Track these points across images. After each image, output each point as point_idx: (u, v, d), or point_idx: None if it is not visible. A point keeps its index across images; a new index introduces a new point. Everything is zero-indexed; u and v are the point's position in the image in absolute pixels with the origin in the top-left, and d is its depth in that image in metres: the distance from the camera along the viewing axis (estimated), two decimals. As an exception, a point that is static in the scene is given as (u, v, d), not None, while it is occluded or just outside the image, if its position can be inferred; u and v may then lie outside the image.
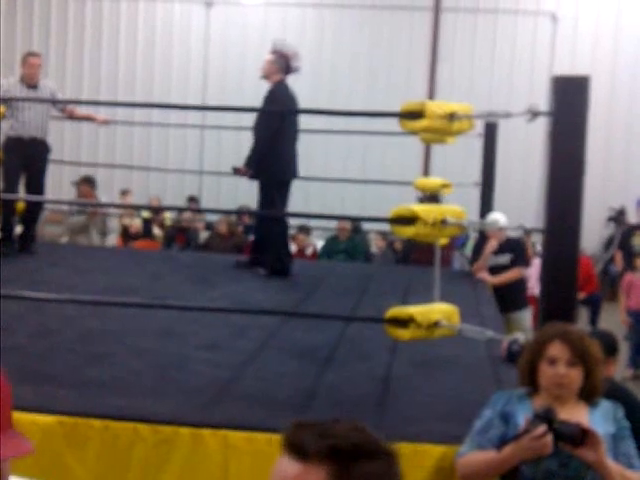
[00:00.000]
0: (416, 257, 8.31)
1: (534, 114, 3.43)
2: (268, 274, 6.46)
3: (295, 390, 3.64)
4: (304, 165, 7.59)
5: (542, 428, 2.49)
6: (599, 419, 2.67)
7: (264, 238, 6.63)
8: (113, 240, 9.87)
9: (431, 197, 8.44)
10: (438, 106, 3.64)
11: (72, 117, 7.44)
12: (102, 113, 7.76)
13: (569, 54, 12.34)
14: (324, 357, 4.21)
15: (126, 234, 10.48)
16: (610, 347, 3.95)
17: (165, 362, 3.98)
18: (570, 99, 3.36)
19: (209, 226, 11.01)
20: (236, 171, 6.59)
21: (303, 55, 12.20)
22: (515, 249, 6.97)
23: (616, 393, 3.33)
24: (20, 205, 7.12)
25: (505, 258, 6.90)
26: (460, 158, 10.93)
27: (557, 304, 3.33)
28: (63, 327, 4.54)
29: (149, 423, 3.10)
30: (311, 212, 10.14)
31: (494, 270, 6.88)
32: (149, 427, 3.08)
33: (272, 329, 4.69)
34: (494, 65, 12.52)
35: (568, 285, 3.36)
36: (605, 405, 2.75)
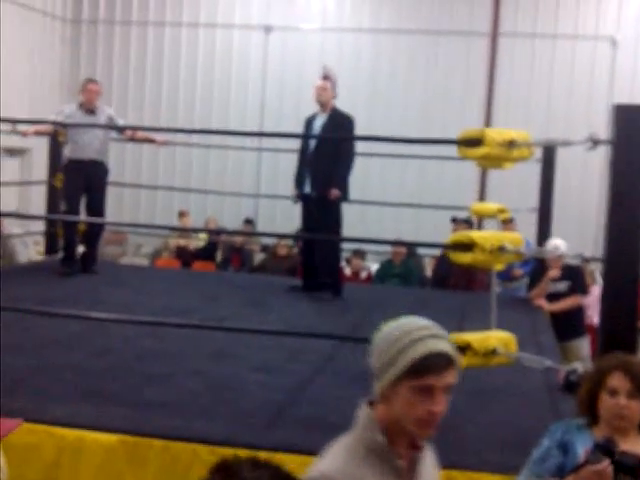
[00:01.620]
0: (454, 282, 8.28)
1: (595, 142, 3.41)
2: (333, 296, 6.59)
3: (350, 415, 3.64)
4: (360, 189, 7.64)
5: (605, 462, 2.45)
6: (660, 452, 2.62)
7: (326, 260, 6.69)
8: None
9: (465, 220, 8.56)
10: (497, 133, 3.64)
11: (133, 139, 7.65)
12: (161, 136, 7.94)
13: (629, 79, 12.17)
14: (379, 382, 4.21)
15: (182, 255, 10.64)
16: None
17: (221, 384, 4.03)
18: (631, 128, 3.34)
19: (265, 248, 11.11)
20: (308, 196, 6.71)
21: (359, 79, 12.37)
22: (574, 277, 6.87)
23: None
24: (82, 226, 7.31)
25: (563, 285, 6.82)
26: (517, 183, 10.83)
27: (617, 334, 3.28)
28: (122, 347, 4.63)
29: (206, 444, 3.14)
30: (366, 236, 10.15)
31: (552, 297, 6.80)
32: (207, 448, 3.13)
33: (327, 353, 4.71)
34: (552, 90, 12.41)
35: (628, 314, 3.31)
36: (667, 438, 2.70)
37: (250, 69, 13.03)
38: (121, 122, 7.39)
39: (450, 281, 8.32)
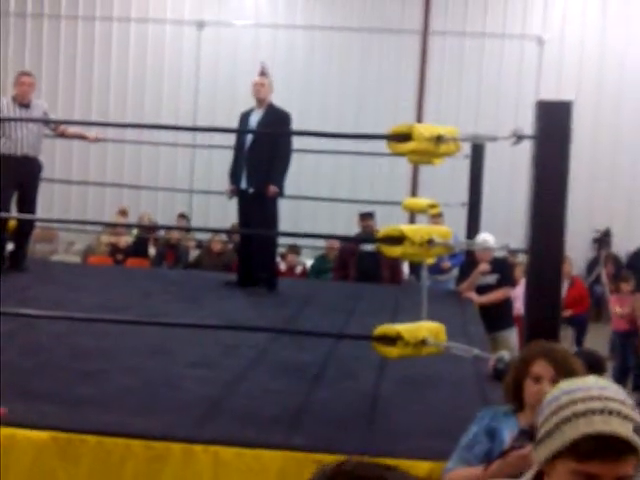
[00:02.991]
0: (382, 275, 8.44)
1: (519, 137, 3.53)
2: (268, 291, 6.63)
3: (284, 407, 3.69)
4: (294, 184, 7.68)
5: (529, 447, 2.55)
6: (582, 435, 2.73)
7: (262, 255, 6.71)
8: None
9: (370, 214, 8.84)
10: (425, 129, 3.72)
11: (63, 136, 7.51)
12: (93, 132, 7.83)
13: (555, 77, 12.51)
14: (313, 375, 4.27)
15: (115, 252, 10.50)
16: (596, 366, 4.03)
17: (156, 379, 4.02)
18: (554, 123, 3.46)
19: (200, 244, 11.06)
20: (243, 192, 6.70)
21: (293, 75, 12.39)
22: (502, 269, 7.07)
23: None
24: (12, 222, 7.16)
25: (492, 278, 7.00)
26: (448, 179, 11.04)
27: (541, 323, 3.41)
28: (55, 344, 4.57)
29: (141, 439, 3.14)
30: (300, 231, 10.21)
31: (481, 290, 6.97)
32: (141, 443, 3.13)
33: (262, 347, 4.74)
34: (481, 87, 12.67)
35: (552, 304, 3.44)
36: (587, 421, 2.81)
37: (183, 65, 12.93)
38: (53, 118, 7.26)
39: (379, 275, 8.43)
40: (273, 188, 6.58)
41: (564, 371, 2.74)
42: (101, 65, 13.03)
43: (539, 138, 3.48)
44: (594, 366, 3.94)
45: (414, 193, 12.14)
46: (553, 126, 3.48)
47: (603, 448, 1.37)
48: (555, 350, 2.84)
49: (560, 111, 3.51)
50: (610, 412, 1.39)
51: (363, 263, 8.50)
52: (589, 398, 1.41)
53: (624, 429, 1.37)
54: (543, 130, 3.48)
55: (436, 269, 8.37)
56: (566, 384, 1.50)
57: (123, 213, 11.16)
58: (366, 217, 9.04)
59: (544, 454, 1.45)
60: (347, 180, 12.34)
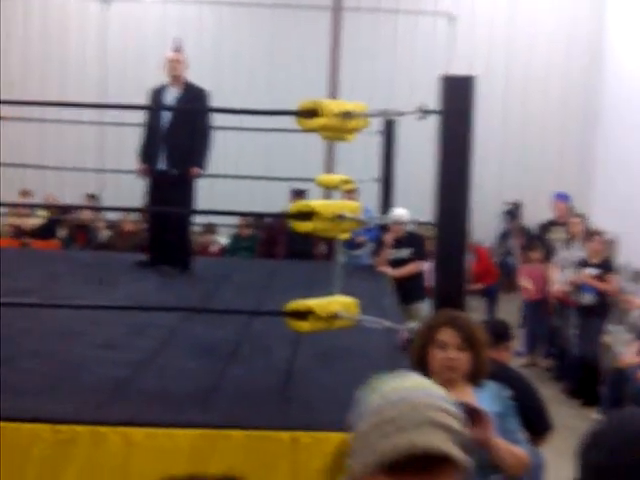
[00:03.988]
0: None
1: (424, 112, 3.56)
2: (178, 272, 6.49)
3: (196, 385, 3.67)
4: (210, 162, 7.59)
5: None
6: (485, 399, 2.81)
7: (175, 235, 6.57)
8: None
9: (302, 191, 8.95)
10: (334, 104, 3.73)
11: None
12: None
13: (467, 53, 12.71)
14: (227, 353, 4.25)
15: (20, 234, 10.19)
16: (502, 334, 4.16)
17: (63, 362, 3.94)
18: (457, 98, 3.51)
19: (111, 225, 10.83)
20: (164, 173, 6.49)
21: (203, 52, 12.21)
22: (415, 243, 7.20)
23: (508, 376, 3.52)
24: None
25: (406, 252, 7.13)
26: (363, 155, 11.11)
27: (448, 293, 3.48)
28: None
29: (48, 423, 3.07)
30: (215, 209, 10.11)
31: (395, 263, 7.08)
32: (48, 427, 3.06)
33: (174, 327, 4.69)
34: (395, 64, 12.78)
35: (457, 275, 3.52)
36: (491, 386, 2.90)
37: (89, 40, 12.58)
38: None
39: (311, 252, 8.46)
40: (196, 169, 6.44)
41: (468, 337, 2.82)
42: (2, 40, 12.55)
43: (443, 113, 3.53)
44: (500, 335, 4.07)
45: (330, 169, 12.17)
46: (457, 101, 3.53)
47: (417, 462, 1.26)
48: (460, 318, 2.92)
49: (463, 86, 3.56)
50: (426, 423, 1.28)
51: (295, 241, 8.51)
52: (405, 413, 1.30)
53: (442, 441, 1.27)
54: (447, 105, 3.52)
55: (351, 244, 8.44)
56: (380, 387, 1.40)
57: (25, 194, 10.82)
58: (298, 195, 9.09)
59: (358, 470, 1.33)
60: (262, 158, 12.29)
